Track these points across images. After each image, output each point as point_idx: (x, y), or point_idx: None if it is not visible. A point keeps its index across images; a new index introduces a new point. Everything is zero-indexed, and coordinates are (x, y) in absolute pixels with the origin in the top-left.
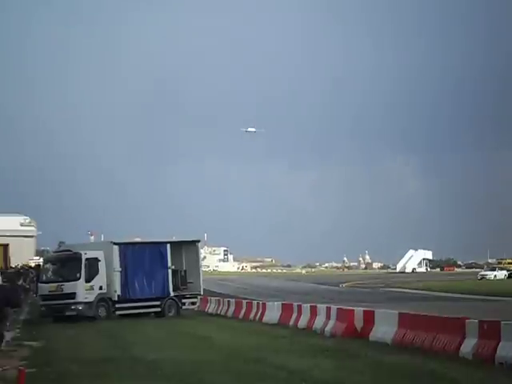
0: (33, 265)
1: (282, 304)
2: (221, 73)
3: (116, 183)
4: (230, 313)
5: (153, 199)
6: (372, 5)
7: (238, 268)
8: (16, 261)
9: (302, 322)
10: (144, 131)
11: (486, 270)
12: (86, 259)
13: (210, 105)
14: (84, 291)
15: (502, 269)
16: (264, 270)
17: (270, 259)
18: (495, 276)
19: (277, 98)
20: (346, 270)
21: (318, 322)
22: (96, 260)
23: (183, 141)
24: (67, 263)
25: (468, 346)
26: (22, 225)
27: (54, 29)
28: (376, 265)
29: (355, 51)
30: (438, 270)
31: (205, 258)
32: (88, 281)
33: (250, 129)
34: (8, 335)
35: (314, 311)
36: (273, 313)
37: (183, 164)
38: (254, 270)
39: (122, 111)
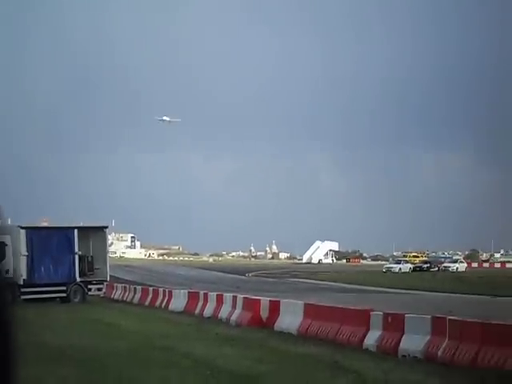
0: None
1: (188, 292)
2: (140, 59)
3: (29, 169)
4: (135, 299)
5: (63, 186)
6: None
7: (145, 255)
8: None
9: (208, 311)
10: (59, 119)
11: (391, 263)
12: None
13: (126, 92)
14: None
15: (406, 262)
16: (171, 258)
17: (177, 247)
18: (400, 269)
19: (195, 86)
20: (252, 259)
21: (224, 311)
22: (3, 244)
23: (96, 129)
24: None
25: (372, 337)
26: None
27: None
28: (283, 255)
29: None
30: (344, 261)
31: (112, 244)
32: None
33: (164, 117)
34: None
35: (220, 300)
36: (179, 301)
37: (95, 152)
38: (160, 258)
39: (40, 98)
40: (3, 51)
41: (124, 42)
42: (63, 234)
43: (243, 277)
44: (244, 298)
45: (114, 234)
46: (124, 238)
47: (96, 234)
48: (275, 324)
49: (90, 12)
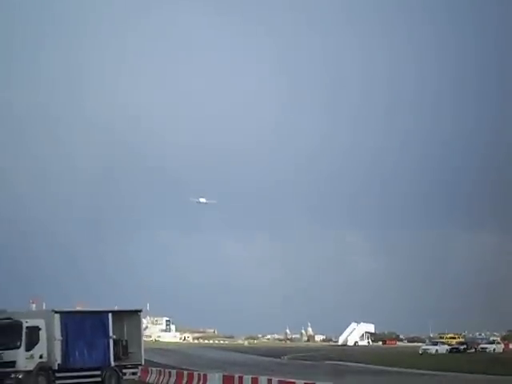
0: None
1: (223, 375)
2: (177, 141)
3: (64, 249)
4: (170, 383)
5: (99, 268)
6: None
7: (180, 338)
8: None
9: None
10: (94, 205)
11: (427, 345)
12: (27, 327)
13: (162, 173)
14: (24, 359)
15: (443, 343)
16: (206, 341)
17: (212, 330)
18: (437, 350)
19: (231, 170)
20: (288, 341)
21: None
22: (37, 328)
23: (135, 210)
24: (7, 331)
25: None
26: None
27: None
28: (318, 337)
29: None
30: (380, 343)
31: (147, 327)
32: (28, 349)
33: (201, 199)
34: None
35: (255, 383)
36: None
37: (134, 234)
38: (196, 341)
39: (81, 175)
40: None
41: (160, 120)
42: (97, 317)
43: (278, 359)
44: (279, 380)
45: (148, 317)
46: (159, 322)
47: (130, 317)
48: None
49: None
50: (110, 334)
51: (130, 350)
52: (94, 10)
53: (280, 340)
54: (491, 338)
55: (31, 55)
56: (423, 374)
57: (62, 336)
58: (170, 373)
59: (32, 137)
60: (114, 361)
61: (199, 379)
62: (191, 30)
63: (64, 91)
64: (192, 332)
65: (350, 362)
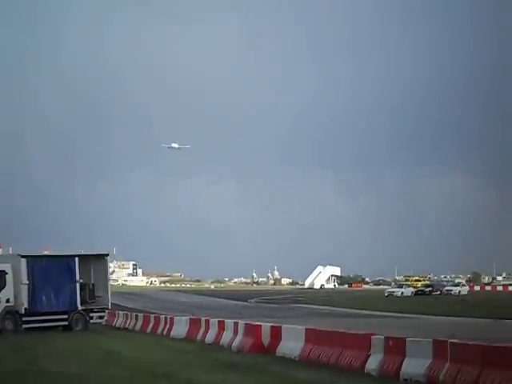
0: None
1: (190, 319)
2: (148, 85)
3: (33, 196)
4: (137, 327)
5: (68, 211)
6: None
7: (147, 282)
8: None
9: (210, 337)
10: (68, 144)
11: (393, 287)
12: None
13: (136, 118)
14: None
15: (408, 286)
16: (173, 285)
17: (179, 274)
18: (402, 293)
19: (206, 112)
20: (254, 285)
21: (226, 337)
22: (3, 273)
23: (105, 154)
24: None
25: (373, 362)
26: None
27: None
28: (285, 281)
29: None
30: (346, 286)
31: (114, 271)
32: None
33: (173, 144)
34: None
35: (221, 326)
36: (180, 327)
37: (102, 178)
38: (162, 285)
39: (53, 123)
40: (19, 76)
41: (134, 67)
42: (64, 262)
43: (245, 303)
44: (245, 324)
45: (115, 261)
46: (126, 266)
47: (97, 261)
48: (277, 349)
49: (100, 38)
50: (77, 277)
51: (96, 294)
52: None
53: (247, 283)
54: (456, 281)
55: None
56: (388, 317)
57: (28, 280)
58: (136, 316)
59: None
60: (81, 305)
61: (166, 323)
62: None
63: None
64: (159, 276)
65: (316, 304)
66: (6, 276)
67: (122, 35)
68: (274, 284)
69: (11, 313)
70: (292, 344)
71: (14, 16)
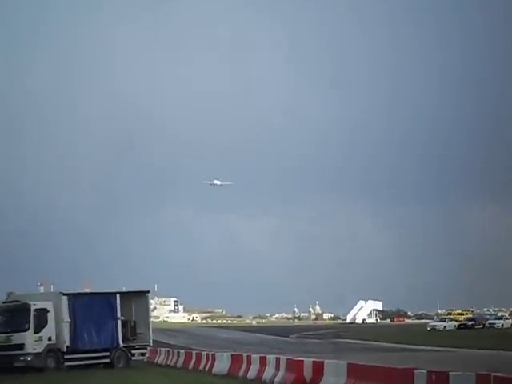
0: None
1: (232, 355)
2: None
3: (75, 234)
4: (179, 363)
5: (109, 250)
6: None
7: (189, 319)
8: None
9: (252, 373)
10: (108, 182)
11: (435, 321)
12: (35, 310)
13: (175, 156)
14: (33, 342)
15: (451, 320)
16: (214, 321)
17: (220, 310)
18: (445, 327)
19: (248, 149)
20: (296, 320)
21: (268, 373)
22: (45, 311)
23: (146, 193)
24: (16, 314)
25: None
26: None
27: None
28: (326, 316)
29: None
30: (389, 320)
31: (155, 308)
32: (37, 331)
33: (215, 181)
34: None
35: (263, 362)
36: (222, 364)
37: (144, 214)
38: (204, 321)
39: (86, 161)
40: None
41: (176, 102)
42: (105, 299)
43: (287, 338)
44: (287, 359)
45: (156, 298)
46: (167, 303)
47: (138, 298)
48: None
49: (140, 70)
50: (118, 315)
51: (138, 331)
52: None
53: (288, 319)
54: (499, 314)
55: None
56: (432, 351)
57: (70, 318)
58: (178, 353)
59: (49, 110)
60: (123, 342)
61: (208, 359)
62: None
63: (86, 65)
64: (200, 312)
65: (359, 339)
66: (48, 314)
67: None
68: (316, 319)
69: (53, 351)
70: (334, 379)
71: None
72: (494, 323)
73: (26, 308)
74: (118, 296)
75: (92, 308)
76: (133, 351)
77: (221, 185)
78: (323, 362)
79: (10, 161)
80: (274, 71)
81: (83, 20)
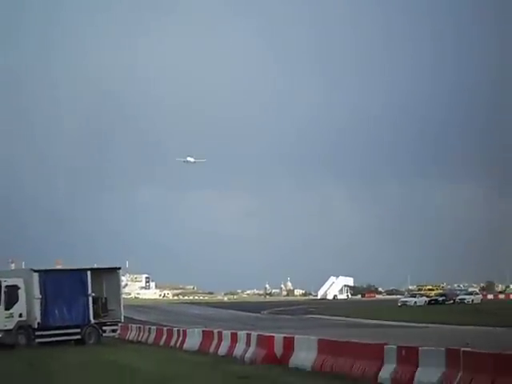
0: None
1: (203, 331)
2: (164, 97)
3: (47, 212)
4: (150, 340)
5: (80, 225)
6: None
7: (160, 295)
8: None
9: (223, 349)
10: (81, 161)
11: (406, 297)
12: (6, 286)
13: (151, 131)
14: (3, 319)
15: (422, 295)
16: (186, 298)
17: (191, 286)
18: (415, 302)
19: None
20: (267, 296)
21: (239, 349)
22: (16, 287)
23: (119, 168)
24: None
25: (387, 371)
26: None
27: None
28: (298, 292)
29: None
30: (359, 296)
31: (126, 285)
32: (7, 308)
33: (188, 158)
34: None
35: (234, 338)
36: (193, 340)
37: (115, 192)
38: (175, 298)
39: (60, 141)
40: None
41: (148, 79)
42: (76, 275)
43: (258, 314)
44: (258, 335)
45: (128, 275)
46: (138, 279)
47: (109, 275)
48: (290, 360)
49: (111, 49)
50: (90, 291)
51: (109, 308)
52: None
53: (260, 295)
54: (470, 289)
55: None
56: (402, 326)
57: (41, 294)
58: (149, 329)
59: (24, 95)
60: (94, 318)
61: (179, 335)
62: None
63: (57, 50)
64: (172, 289)
65: (329, 315)
66: (19, 291)
67: (135, 46)
68: (287, 295)
69: (24, 327)
70: (305, 355)
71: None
72: (465, 298)
73: None
74: (89, 272)
75: (63, 284)
76: (104, 328)
77: (194, 162)
78: (294, 338)
79: None
80: (257, 56)
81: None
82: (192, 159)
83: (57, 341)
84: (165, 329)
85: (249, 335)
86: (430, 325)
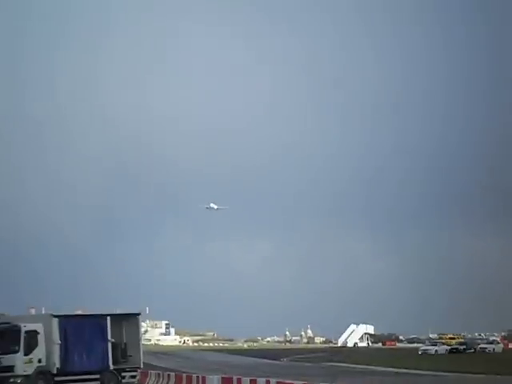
0: None
1: (222, 378)
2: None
3: (72, 256)
4: None
5: (101, 271)
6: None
7: (180, 342)
8: None
9: None
10: (107, 205)
11: (427, 345)
12: (26, 332)
13: (174, 180)
14: (23, 364)
15: (443, 344)
16: (206, 344)
17: (212, 333)
18: (436, 351)
19: (245, 175)
20: (287, 344)
21: None
22: (35, 332)
23: (144, 216)
24: (6, 335)
25: None
26: None
27: None
28: (318, 339)
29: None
30: (380, 344)
31: (146, 331)
32: (27, 353)
33: (211, 204)
34: None
35: None
36: None
37: (137, 236)
38: (195, 344)
39: (86, 185)
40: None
41: (172, 130)
42: (96, 321)
43: (278, 362)
44: (277, 382)
45: (148, 321)
46: (158, 326)
47: (129, 321)
48: None
49: (133, 100)
50: (109, 337)
51: (128, 354)
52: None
53: (280, 342)
54: (491, 339)
55: (44, 56)
56: (423, 375)
57: (60, 340)
58: (169, 376)
59: (46, 135)
60: (113, 364)
61: (198, 382)
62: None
63: (77, 89)
64: (192, 335)
65: (350, 363)
66: (38, 336)
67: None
68: (308, 343)
69: (43, 373)
70: None
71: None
72: (486, 347)
73: (16, 329)
74: (108, 318)
75: (83, 330)
76: (123, 373)
77: (217, 209)
78: None
79: (8, 184)
80: (272, 97)
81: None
82: (215, 206)
83: None
84: (184, 375)
85: (268, 382)
86: (451, 374)
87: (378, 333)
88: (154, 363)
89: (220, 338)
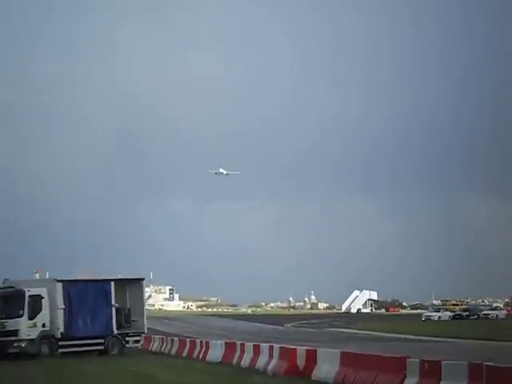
0: None
1: (225, 342)
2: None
3: (74, 223)
4: (173, 351)
5: (107, 238)
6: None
7: (184, 307)
8: None
9: (245, 361)
10: (108, 172)
11: (430, 311)
12: (30, 296)
13: (180, 143)
14: (27, 328)
15: (446, 310)
16: (210, 310)
17: (215, 298)
18: (439, 317)
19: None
20: (291, 309)
21: (261, 361)
22: (39, 297)
23: (148, 183)
24: (10, 300)
25: None
26: None
27: None
28: (321, 305)
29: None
30: (383, 310)
31: (150, 296)
32: (31, 318)
33: (220, 169)
34: None
35: (256, 350)
36: (216, 351)
37: (143, 202)
38: (199, 309)
39: (86, 152)
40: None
41: (178, 93)
42: (100, 286)
43: (282, 327)
44: (280, 347)
45: (152, 286)
46: (162, 291)
47: (133, 286)
48: (312, 373)
49: (142, 62)
50: (113, 302)
51: (132, 319)
52: None
53: (283, 308)
54: (494, 305)
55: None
56: (425, 341)
57: (64, 305)
58: (172, 340)
59: (50, 100)
60: (117, 329)
61: (201, 347)
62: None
63: (88, 60)
64: (195, 301)
65: (353, 329)
66: (42, 300)
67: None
68: (311, 308)
69: (47, 337)
70: (327, 367)
71: None
72: (489, 314)
73: (20, 294)
74: (112, 283)
75: (86, 295)
76: (127, 338)
77: (227, 174)
78: (316, 351)
79: (9, 153)
80: (276, 67)
81: (85, 18)
82: (224, 171)
83: (80, 351)
84: (188, 340)
85: (271, 347)
86: (453, 339)
87: (382, 299)
88: (158, 328)
89: (224, 304)
